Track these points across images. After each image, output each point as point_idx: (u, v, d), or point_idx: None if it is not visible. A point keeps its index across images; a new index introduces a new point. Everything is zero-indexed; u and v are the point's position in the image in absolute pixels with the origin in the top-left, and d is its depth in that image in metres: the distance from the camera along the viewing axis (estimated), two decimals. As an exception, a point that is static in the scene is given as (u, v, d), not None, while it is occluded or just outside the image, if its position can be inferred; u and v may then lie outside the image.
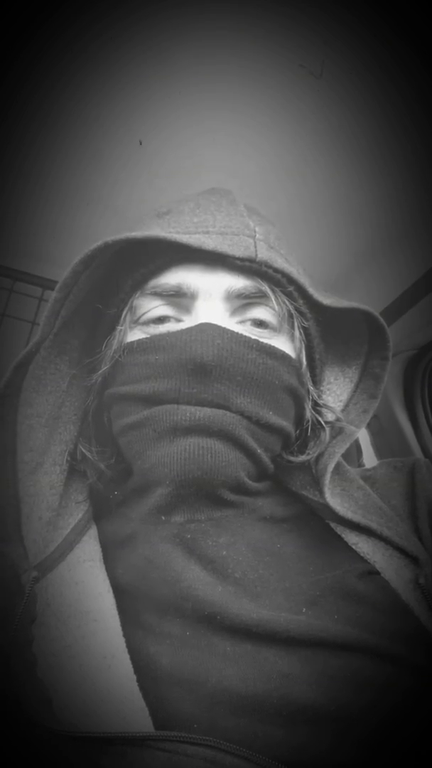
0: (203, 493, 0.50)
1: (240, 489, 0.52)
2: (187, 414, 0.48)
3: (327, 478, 0.54)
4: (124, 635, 0.45)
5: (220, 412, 0.48)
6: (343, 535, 0.54)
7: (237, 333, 0.50)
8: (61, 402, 0.55)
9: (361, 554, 0.52)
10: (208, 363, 0.47)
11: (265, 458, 0.53)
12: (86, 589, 0.48)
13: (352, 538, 0.53)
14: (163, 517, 0.51)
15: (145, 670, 0.42)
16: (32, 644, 0.43)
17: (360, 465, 1.25)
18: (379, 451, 1.32)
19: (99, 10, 0.65)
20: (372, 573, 0.51)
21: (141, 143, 0.82)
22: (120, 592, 0.48)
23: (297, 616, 0.45)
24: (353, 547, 0.53)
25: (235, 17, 0.65)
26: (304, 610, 0.46)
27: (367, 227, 0.98)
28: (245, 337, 0.51)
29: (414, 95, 0.72)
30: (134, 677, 0.42)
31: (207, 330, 0.49)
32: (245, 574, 0.48)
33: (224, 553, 0.49)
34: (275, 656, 0.42)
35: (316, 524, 0.55)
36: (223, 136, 0.82)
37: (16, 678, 0.40)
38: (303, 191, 0.92)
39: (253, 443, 0.50)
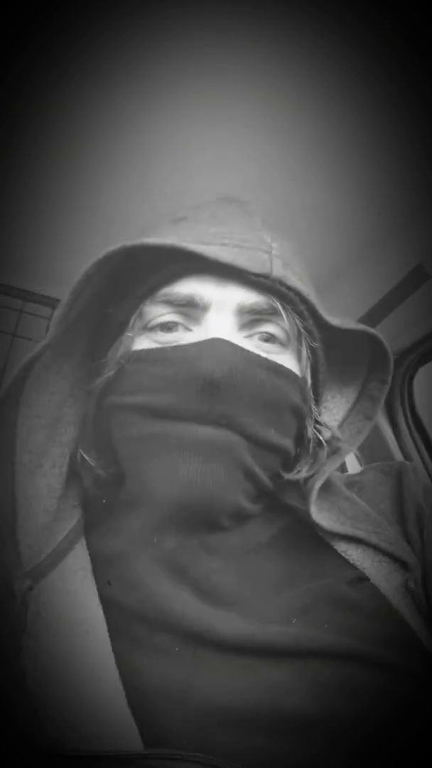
0: (199, 517, 0.49)
1: (237, 515, 0.50)
2: (191, 433, 0.46)
3: (314, 496, 0.53)
4: (113, 649, 0.43)
5: (225, 432, 0.47)
6: (332, 543, 0.53)
7: (248, 351, 0.49)
8: (62, 404, 0.54)
9: (351, 561, 0.51)
10: (218, 381, 0.46)
11: (265, 478, 0.51)
12: (78, 599, 0.47)
13: (341, 546, 0.53)
14: (155, 539, 0.50)
15: (134, 684, 0.41)
16: (21, 655, 0.42)
17: (343, 470, 1.26)
18: (361, 454, 1.33)
19: (102, 20, 0.66)
20: (362, 579, 0.50)
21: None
22: (107, 607, 0.46)
23: (287, 627, 0.44)
24: (342, 554, 0.52)
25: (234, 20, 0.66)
26: (294, 620, 0.45)
27: (343, 235, 1.00)
28: (255, 355, 0.49)
29: (400, 99, 0.73)
30: (122, 691, 0.41)
31: (218, 346, 0.47)
32: (235, 595, 0.47)
33: (215, 578, 0.48)
34: (265, 668, 0.42)
35: (306, 535, 0.54)
36: (212, 142, 0.83)
37: (3, 690, 0.40)
38: (285, 195, 0.92)
39: (253, 464, 0.49)
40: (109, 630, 0.45)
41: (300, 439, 0.56)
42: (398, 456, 1.27)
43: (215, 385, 0.46)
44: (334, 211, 0.95)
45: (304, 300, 0.53)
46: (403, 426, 1.28)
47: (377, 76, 0.71)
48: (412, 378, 1.28)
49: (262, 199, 0.87)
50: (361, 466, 1.38)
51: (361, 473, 0.65)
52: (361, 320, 1.12)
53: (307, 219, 0.97)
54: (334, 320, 0.55)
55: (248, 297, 0.51)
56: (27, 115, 0.83)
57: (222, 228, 0.52)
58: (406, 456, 1.26)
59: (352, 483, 0.62)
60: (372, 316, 1.10)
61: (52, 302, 1.37)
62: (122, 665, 0.42)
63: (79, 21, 0.68)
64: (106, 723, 0.39)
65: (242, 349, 0.49)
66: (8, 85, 0.77)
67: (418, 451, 1.26)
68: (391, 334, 1.12)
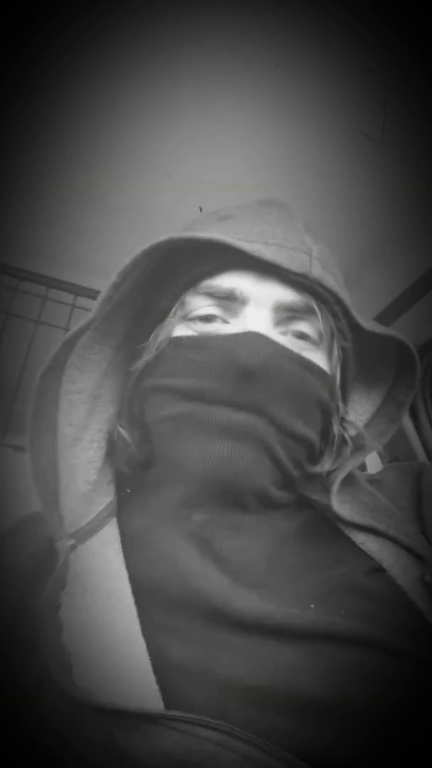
0: (228, 496, 0.51)
1: (264, 497, 0.52)
2: (224, 416, 0.49)
3: (335, 488, 0.54)
4: (140, 620, 0.45)
5: (255, 418, 0.49)
6: (351, 536, 0.54)
7: (281, 345, 0.51)
8: (102, 383, 0.56)
9: (369, 552, 0.52)
10: (252, 370, 0.48)
11: (291, 468, 0.53)
12: (113, 569, 0.49)
13: (360, 537, 0.54)
14: (185, 512, 0.52)
15: (157, 656, 0.43)
16: (59, 610, 0.44)
17: (363, 469, 1.25)
18: (383, 450, 1.33)
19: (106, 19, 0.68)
20: (379, 570, 0.50)
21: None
22: (133, 581, 0.48)
23: (305, 611, 0.45)
24: (360, 546, 0.53)
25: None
26: (312, 606, 0.46)
27: (366, 229, 1.00)
28: (289, 350, 0.51)
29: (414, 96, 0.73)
30: (149, 660, 0.42)
31: (255, 339, 0.50)
32: (257, 575, 0.48)
33: (239, 556, 0.49)
34: (283, 649, 0.43)
35: (326, 526, 0.55)
36: (236, 135, 0.84)
37: (43, 640, 0.42)
38: (304, 193, 0.93)
39: (281, 452, 0.51)
40: (136, 602, 0.46)
41: (326, 434, 0.57)
42: (419, 451, 1.26)
43: (249, 374, 0.48)
44: (342, 217, 0.96)
45: (338, 301, 0.55)
46: (424, 421, 1.27)
47: (400, 70, 0.71)
48: (431, 377, 1.26)
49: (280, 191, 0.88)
50: (382, 463, 1.37)
51: (382, 472, 0.66)
52: (384, 313, 1.12)
53: (330, 216, 0.98)
54: (366, 323, 0.56)
55: (286, 295, 0.53)
56: (44, 111, 0.85)
57: (265, 227, 0.54)
58: (428, 451, 1.25)
59: (372, 481, 0.62)
60: (394, 310, 1.10)
61: (76, 289, 1.38)
62: (147, 638, 0.44)
63: (81, 20, 0.70)
64: (132, 686, 0.40)
65: (276, 343, 0.51)
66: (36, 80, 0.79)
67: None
68: (412, 328, 1.12)
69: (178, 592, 0.47)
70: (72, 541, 0.48)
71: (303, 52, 0.71)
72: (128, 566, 0.50)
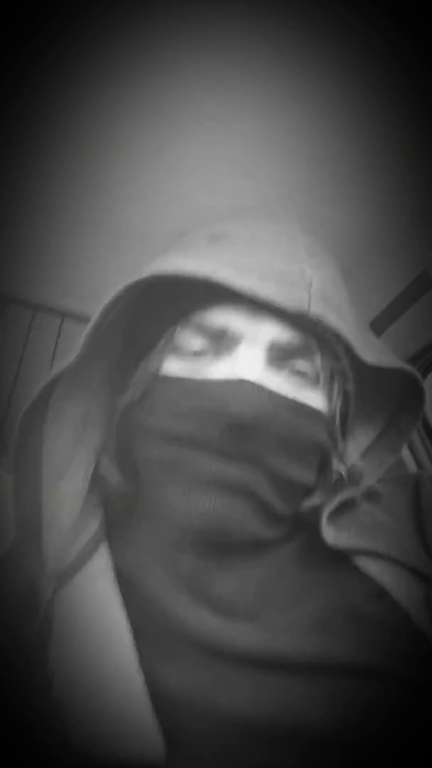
0: (216, 543, 0.49)
1: (255, 542, 0.50)
2: (215, 467, 0.47)
3: (324, 520, 0.52)
4: (138, 658, 0.43)
5: (248, 469, 0.47)
6: (350, 557, 0.52)
7: (276, 393, 0.48)
8: (89, 411, 0.54)
9: (370, 575, 0.50)
10: (244, 423, 0.46)
11: (286, 511, 0.51)
12: (102, 604, 0.47)
13: (360, 560, 0.52)
14: (173, 554, 0.50)
15: (158, 694, 0.41)
16: (48, 659, 0.42)
17: None
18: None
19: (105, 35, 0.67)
20: (381, 594, 0.49)
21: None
22: (130, 617, 0.46)
23: (305, 641, 0.44)
24: (361, 568, 0.51)
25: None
26: (313, 635, 0.44)
27: (348, 243, 0.99)
28: (283, 397, 0.49)
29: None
30: (149, 701, 0.41)
31: (247, 388, 0.47)
32: (252, 610, 0.47)
33: (233, 596, 0.48)
34: (285, 682, 0.41)
35: (324, 550, 0.53)
36: (215, 155, 0.84)
37: (30, 698, 0.40)
38: (290, 204, 0.91)
39: (274, 499, 0.49)
40: (134, 639, 0.45)
41: (323, 471, 0.55)
42: (412, 467, 1.26)
43: (241, 426, 0.46)
44: (338, 221, 0.95)
45: (340, 339, 0.51)
46: (417, 442, 1.27)
47: (381, 83, 0.71)
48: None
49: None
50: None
51: (378, 485, 0.63)
52: (372, 324, 1.12)
53: (312, 228, 0.95)
54: (369, 357, 0.53)
55: (282, 334, 0.50)
56: (36, 129, 0.84)
57: (261, 258, 0.51)
58: (420, 466, 1.25)
59: (371, 494, 0.60)
60: (378, 323, 1.10)
61: (63, 314, 1.38)
62: (147, 674, 0.42)
63: (86, 33, 0.69)
64: (132, 727, 0.39)
65: (270, 392, 0.48)
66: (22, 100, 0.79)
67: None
68: (397, 341, 1.12)
69: (176, 632, 0.45)
70: (54, 586, 0.46)
71: (287, 72, 0.72)
72: (124, 599, 0.48)
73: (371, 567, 0.51)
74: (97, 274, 1.21)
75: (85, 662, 0.42)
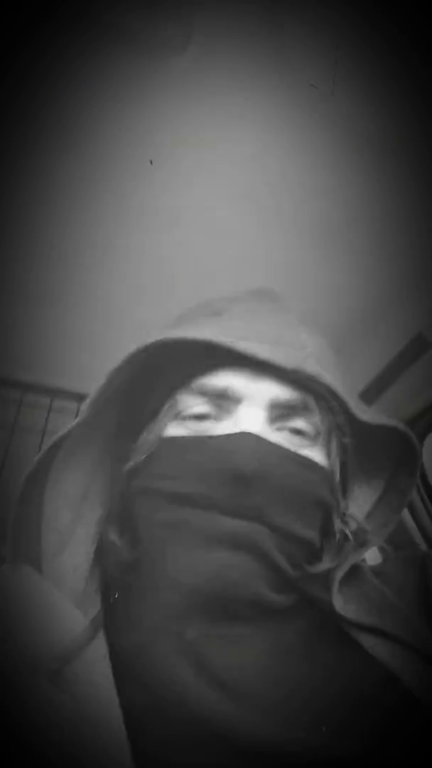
0: (222, 607, 0.47)
1: (260, 605, 0.48)
2: (219, 523, 0.46)
3: (336, 586, 0.52)
4: (133, 749, 0.41)
5: (252, 525, 0.47)
6: (359, 639, 0.51)
7: (277, 445, 0.50)
8: (89, 484, 0.54)
9: (379, 659, 0.49)
10: (247, 474, 0.46)
11: (290, 570, 0.50)
12: (100, 693, 0.44)
13: (369, 641, 0.50)
14: (176, 628, 0.48)
15: None
16: (47, 748, 0.40)
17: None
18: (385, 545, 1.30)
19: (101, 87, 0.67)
20: (391, 679, 0.47)
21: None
22: (125, 708, 0.44)
23: (312, 733, 0.42)
24: (369, 650, 0.50)
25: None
26: (323, 728, 0.43)
27: (343, 307, 1.01)
28: (284, 449, 0.50)
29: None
30: None
31: (249, 440, 0.48)
32: (258, 694, 0.45)
33: (236, 674, 0.46)
34: None
35: (331, 628, 0.52)
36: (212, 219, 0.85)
37: None
38: (284, 268, 0.94)
39: (280, 557, 0.48)
40: (127, 729, 0.42)
41: (326, 531, 0.55)
42: (416, 535, 1.23)
43: (244, 478, 0.47)
44: (333, 285, 0.97)
45: (336, 397, 0.54)
46: (418, 503, 1.24)
47: (375, 155, 0.74)
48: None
49: (260, 279, 0.85)
50: (382, 554, 1.33)
51: (384, 563, 0.63)
52: (366, 391, 1.13)
53: (307, 290, 0.98)
54: (363, 415, 0.55)
55: (281, 393, 0.52)
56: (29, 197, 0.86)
57: (259, 325, 0.55)
58: (425, 534, 1.22)
59: (376, 574, 0.59)
60: (376, 386, 1.11)
61: (53, 393, 1.38)
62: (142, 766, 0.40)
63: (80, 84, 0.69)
64: None
65: (271, 444, 0.49)
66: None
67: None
68: (395, 404, 1.12)
69: (176, 717, 0.42)
70: (54, 668, 0.44)
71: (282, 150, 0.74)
72: (119, 690, 0.45)
73: (380, 649, 0.50)
74: (85, 352, 1.21)
75: (79, 755, 0.40)
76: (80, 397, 1.34)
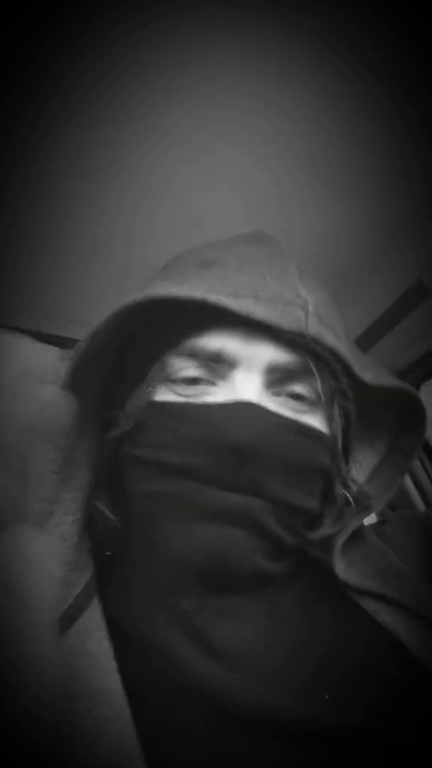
0: (219, 579, 0.46)
1: (257, 576, 0.47)
2: (213, 498, 0.44)
3: (338, 551, 0.51)
4: (134, 718, 0.41)
5: (249, 499, 0.45)
6: (361, 602, 0.50)
7: (276, 414, 0.47)
8: (73, 448, 0.51)
9: (383, 624, 0.48)
10: (246, 446, 0.44)
11: (288, 539, 0.49)
12: (96, 664, 0.44)
13: (372, 606, 0.50)
14: (172, 599, 0.47)
15: (155, 757, 0.39)
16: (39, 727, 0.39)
17: None
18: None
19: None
20: (395, 645, 0.47)
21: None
22: (125, 673, 0.44)
23: (313, 703, 0.42)
24: (373, 615, 0.49)
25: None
26: (327, 696, 0.42)
27: (341, 253, 0.97)
28: (284, 418, 0.47)
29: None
30: (143, 763, 0.38)
31: (247, 410, 0.45)
32: (256, 663, 0.44)
33: (234, 643, 0.45)
34: (296, 750, 0.39)
35: (332, 592, 0.51)
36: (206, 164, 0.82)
37: (29, 749, 0.36)
38: (280, 214, 0.90)
39: (276, 527, 0.47)
40: (128, 698, 0.42)
41: (327, 497, 0.53)
42: (415, 497, 1.23)
43: (242, 450, 0.44)
44: (330, 229, 0.93)
45: (339, 359, 0.50)
46: (417, 464, 1.25)
47: (373, 91, 0.71)
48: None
49: (255, 222, 0.83)
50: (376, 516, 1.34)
51: (383, 523, 0.62)
52: (360, 339, 1.10)
53: (302, 237, 0.94)
54: (367, 376, 0.52)
55: (280, 356, 0.48)
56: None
57: (254, 277, 0.50)
58: (424, 496, 1.22)
59: (378, 534, 0.59)
60: (370, 335, 1.08)
61: (61, 341, 1.32)
62: (144, 743, 0.39)
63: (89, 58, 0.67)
64: None
65: (270, 413, 0.46)
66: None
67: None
68: (389, 354, 1.10)
69: (176, 689, 0.42)
70: None
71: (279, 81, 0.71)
72: (118, 659, 0.44)
73: (384, 614, 0.49)
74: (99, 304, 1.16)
75: (79, 732, 0.39)
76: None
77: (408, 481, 1.23)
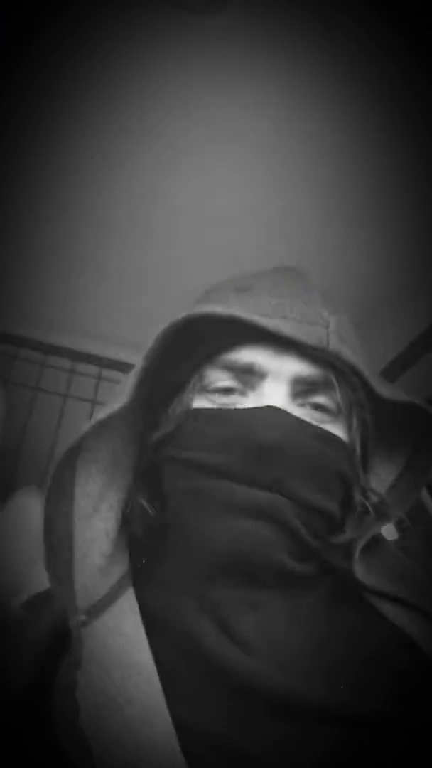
0: (245, 572, 0.49)
1: (282, 572, 0.50)
2: (241, 494, 0.48)
3: (357, 554, 0.54)
4: (165, 696, 0.43)
5: (273, 496, 0.48)
6: (378, 605, 0.52)
7: (299, 419, 0.51)
8: (120, 451, 0.56)
9: (398, 625, 0.51)
10: (270, 446, 0.48)
11: (311, 540, 0.52)
12: (130, 642, 0.47)
13: (387, 608, 0.52)
14: (200, 589, 0.50)
15: (184, 733, 0.41)
16: (75, 690, 0.43)
17: None
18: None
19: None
20: (410, 645, 0.49)
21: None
22: (157, 656, 0.46)
23: (334, 692, 0.44)
24: (390, 618, 0.51)
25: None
26: (342, 687, 0.44)
27: (362, 291, 1.01)
28: (306, 423, 0.52)
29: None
30: (175, 734, 0.40)
31: (272, 414, 0.50)
32: (279, 654, 0.47)
33: (260, 635, 0.48)
34: (316, 734, 0.41)
35: (352, 599, 0.54)
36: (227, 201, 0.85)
37: (57, 723, 0.40)
38: (301, 252, 0.94)
39: (300, 527, 0.50)
40: (160, 677, 0.44)
41: (347, 504, 0.57)
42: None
43: (267, 450, 0.48)
44: (354, 272, 0.97)
45: (357, 373, 0.55)
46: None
47: (396, 129, 0.73)
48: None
49: (278, 257, 0.88)
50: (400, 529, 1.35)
51: (404, 539, 0.67)
52: (387, 369, 1.13)
53: (327, 275, 0.98)
54: (385, 392, 0.57)
55: (304, 369, 0.53)
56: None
57: (283, 300, 0.55)
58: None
59: (400, 546, 0.62)
60: (399, 365, 1.11)
61: (73, 354, 1.41)
62: (174, 716, 0.42)
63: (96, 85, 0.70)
64: (158, 764, 0.39)
65: (295, 417, 0.51)
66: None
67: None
68: (419, 383, 1.13)
69: (203, 670, 0.45)
70: (83, 617, 0.47)
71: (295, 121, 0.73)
72: (150, 641, 0.48)
73: (400, 617, 0.51)
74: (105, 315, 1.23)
75: (112, 700, 0.42)
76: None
77: (426, 495, 1.25)
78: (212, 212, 0.90)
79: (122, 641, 0.47)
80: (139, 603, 0.51)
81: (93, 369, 1.41)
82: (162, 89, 0.72)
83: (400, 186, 0.80)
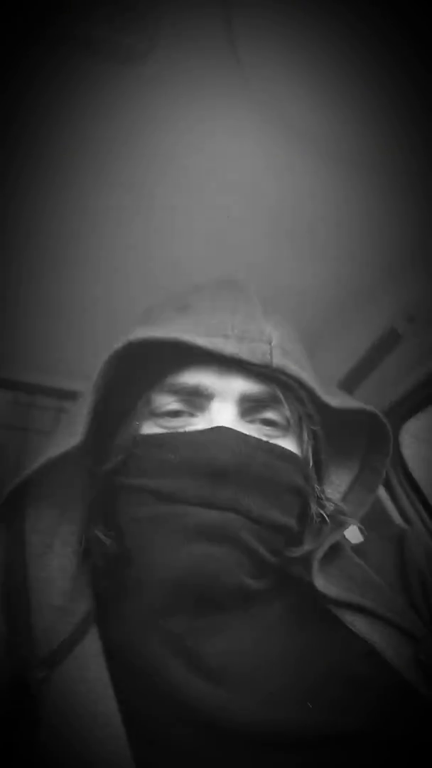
0: (204, 597, 0.49)
1: (241, 592, 0.50)
2: (196, 517, 0.48)
3: (316, 566, 0.54)
4: (129, 741, 0.42)
5: (229, 515, 0.48)
6: (339, 614, 0.53)
7: (250, 436, 0.51)
8: (69, 484, 0.55)
9: (359, 634, 0.51)
10: (222, 467, 0.48)
11: (268, 557, 0.52)
12: (95, 688, 0.46)
13: (348, 617, 0.52)
14: (162, 621, 0.50)
15: None
16: (36, 748, 0.41)
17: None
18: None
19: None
20: (371, 653, 0.49)
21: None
22: (120, 696, 0.45)
23: (299, 712, 0.44)
24: (350, 626, 0.51)
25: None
26: (309, 705, 0.44)
27: (318, 302, 1.00)
28: (256, 439, 0.52)
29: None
30: None
31: (222, 433, 0.50)
32: (245, 678, 0.47)
33: (223, 660, 0.48)
34: (283, 759, 0.41)
35: (313, 609, 0.54)
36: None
37: None
38: (263, 265, 0.91)
39: (257, 545, 0.50)
40: (123, 721, 0.43)
41: (303, 516, 0.57)
42: (396, 518, 1.25)
43: (220, 470, 0.48)
44: (308, 277, 0.97)
45: (303, 386, 0.55)
46: (398, 489, 1.27)
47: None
48: (397, 437, 1.27)
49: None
50: (362, 533, 1.36)
51: (364, 542, 0.65)
52: (346, 379, 1.14)
53: (287, 288, 0.98)
54: (332, 401, 0.57)
55: (250, 386, 0.54)
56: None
57: (223, 318, 0.55)
58: (405, 518, 1.24)
59: (357, 552, 0.62)
60: (356, 375, 1.12)
61: (58, 393, 1.37)
62: (137, 755, 0.41)
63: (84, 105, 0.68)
64: None
65: (245, 435, 0.51)
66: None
67: (416, 511, 1.24)
68: (376, 392, 1.13)
69: (169, 708, 0.44)
70: (42, 674, 0.45)
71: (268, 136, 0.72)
72: (114, 682, 0.47)
73: (360, 624, 0.52)
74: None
75: (76, 749, 0.41)
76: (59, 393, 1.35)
77: (389, 504, 1.26)
78: (162, 241, 0.90)
79: (87, 688, 0.46)
80: (103, 641, 0.50)
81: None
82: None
83: (359, 205, 0.80)
